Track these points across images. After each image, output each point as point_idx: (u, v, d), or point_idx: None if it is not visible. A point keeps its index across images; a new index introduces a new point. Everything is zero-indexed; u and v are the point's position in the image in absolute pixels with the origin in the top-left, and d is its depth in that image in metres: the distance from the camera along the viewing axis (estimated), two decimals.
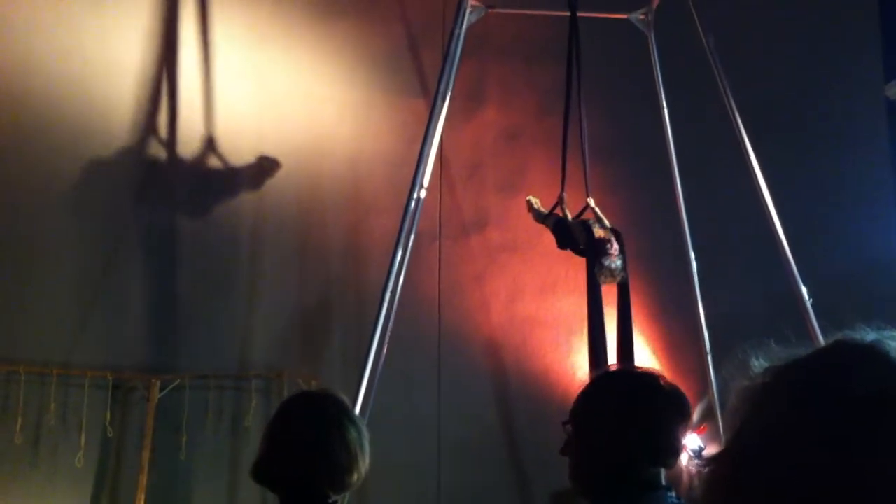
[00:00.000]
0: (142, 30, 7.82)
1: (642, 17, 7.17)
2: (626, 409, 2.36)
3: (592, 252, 6.13)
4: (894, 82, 8.80)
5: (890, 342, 0.93)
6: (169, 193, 7.78)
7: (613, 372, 2.65)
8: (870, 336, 0.94)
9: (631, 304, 6.35)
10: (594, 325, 6.23)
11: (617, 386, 2.52)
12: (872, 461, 0.85)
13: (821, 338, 5.90)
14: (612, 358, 6.18)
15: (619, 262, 6.08)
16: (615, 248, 6.07)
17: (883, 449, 0.85)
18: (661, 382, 2.43)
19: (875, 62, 8.84)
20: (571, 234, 6.32)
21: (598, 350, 6.16)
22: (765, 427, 0.92)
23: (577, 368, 7.79)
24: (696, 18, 6.55)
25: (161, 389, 7.12)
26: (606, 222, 6.27)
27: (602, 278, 6.11)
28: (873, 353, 0.92)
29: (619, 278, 6.14)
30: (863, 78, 8.79)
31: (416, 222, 6.61)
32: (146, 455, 6.96)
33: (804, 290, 6.20)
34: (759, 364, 0.98)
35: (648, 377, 2.48)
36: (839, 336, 0.97)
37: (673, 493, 2.35)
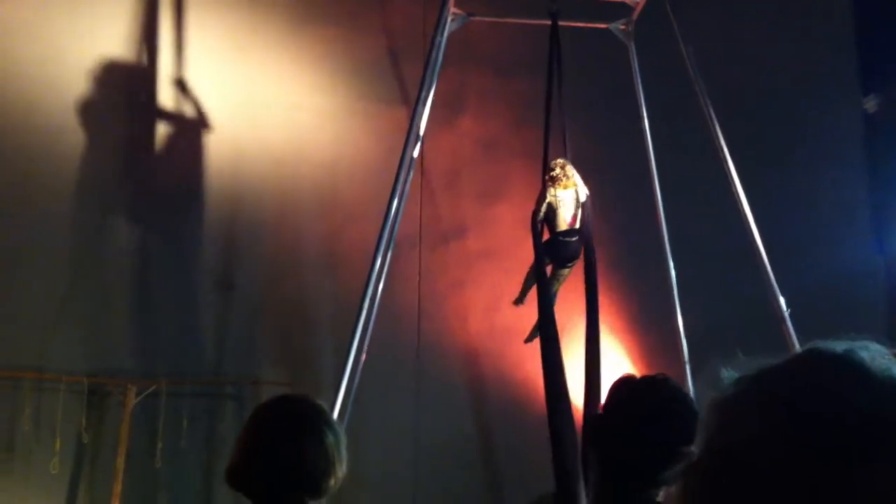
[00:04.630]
0: (119, 35, 7.78)
1: (623, 27, 7.19)
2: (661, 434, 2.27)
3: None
4: (872, 95, 8.87)
5: (861, 352, 0.93)
6: (145, 199, 7.74)
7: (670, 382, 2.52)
8: (840, 346, 0.94)
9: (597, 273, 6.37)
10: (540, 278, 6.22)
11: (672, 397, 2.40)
12: (846, 472, 0.85)
13: (797, 346, 5.93)
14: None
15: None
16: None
17: (859, 459, 0.85)
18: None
19: (852, 75, 8.91)
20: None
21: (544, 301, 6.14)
22: (736, 438, 0.92)
23: None
24: (675, 29, 6.58)
25: (137, 395, 7.07)
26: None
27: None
28: (845, 362, 0.92)
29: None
30: (841, 91, 8.85)
31: (395, 230, 6.60)
32: (121, 461, 6.90)
33: (782, 299, 6.23)
34: (728, 375, 0.98)
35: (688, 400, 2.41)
36: (810, 345, 0.97)
37: None
